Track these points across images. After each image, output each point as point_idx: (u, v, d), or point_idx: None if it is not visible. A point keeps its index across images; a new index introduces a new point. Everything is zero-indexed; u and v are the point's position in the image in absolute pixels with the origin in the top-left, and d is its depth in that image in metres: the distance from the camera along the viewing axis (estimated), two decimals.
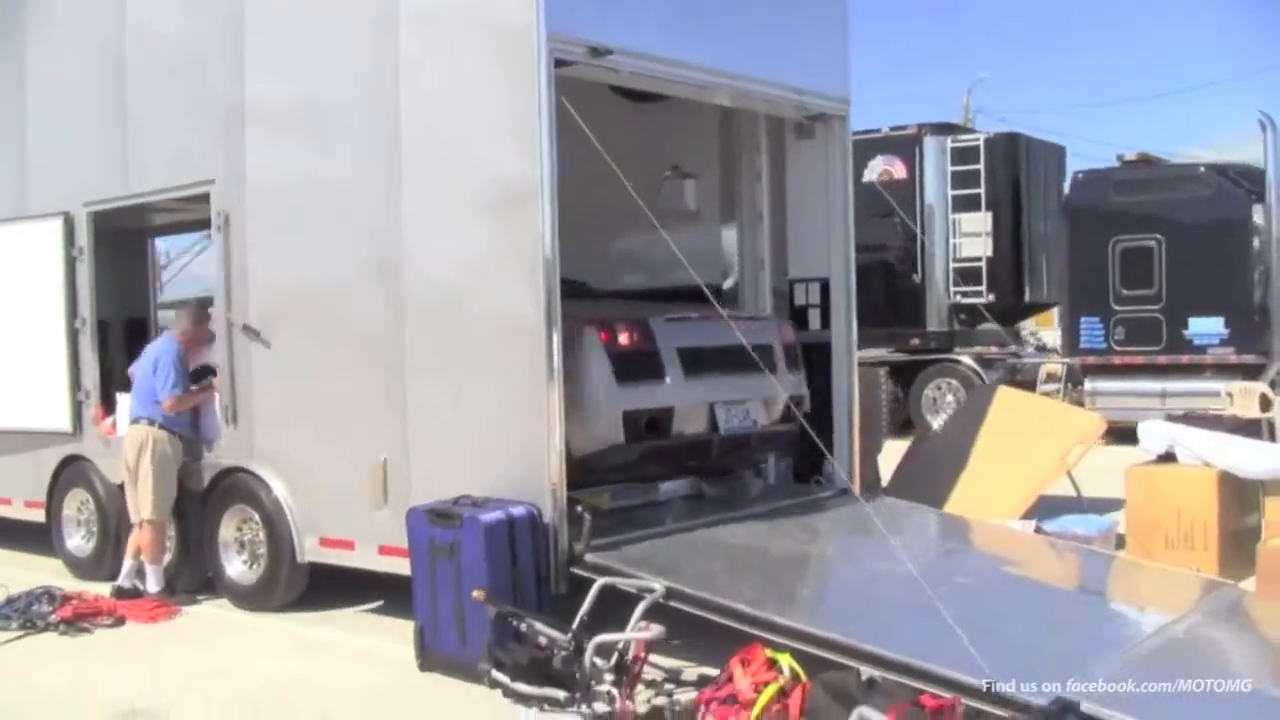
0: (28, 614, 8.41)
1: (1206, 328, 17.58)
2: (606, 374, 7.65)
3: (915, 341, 19.81)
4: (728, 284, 9.72)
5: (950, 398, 19.18)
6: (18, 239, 10.28)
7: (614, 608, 6.39)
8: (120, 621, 8.46)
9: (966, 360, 19.32)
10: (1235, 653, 6.63)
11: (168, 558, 9.12)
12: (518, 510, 6.83)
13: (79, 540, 10.03)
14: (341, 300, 8.05)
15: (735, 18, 8.15)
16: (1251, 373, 16.94)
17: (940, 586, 6.48)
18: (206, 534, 8.91)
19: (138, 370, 9.17)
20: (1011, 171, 19.77)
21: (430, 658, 6.87)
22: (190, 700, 6.67)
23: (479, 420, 7.32)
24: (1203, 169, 18.01)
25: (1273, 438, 10.22)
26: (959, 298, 19.66)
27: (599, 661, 5.95)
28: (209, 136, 8.81)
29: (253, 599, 8.62)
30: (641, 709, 5.92)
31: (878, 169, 19.86)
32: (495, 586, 6.59)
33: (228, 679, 7.03)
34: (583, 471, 7.42)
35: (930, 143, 19.66)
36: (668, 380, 7.96)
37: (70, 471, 10.06)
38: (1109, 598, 7.67)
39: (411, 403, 7.66)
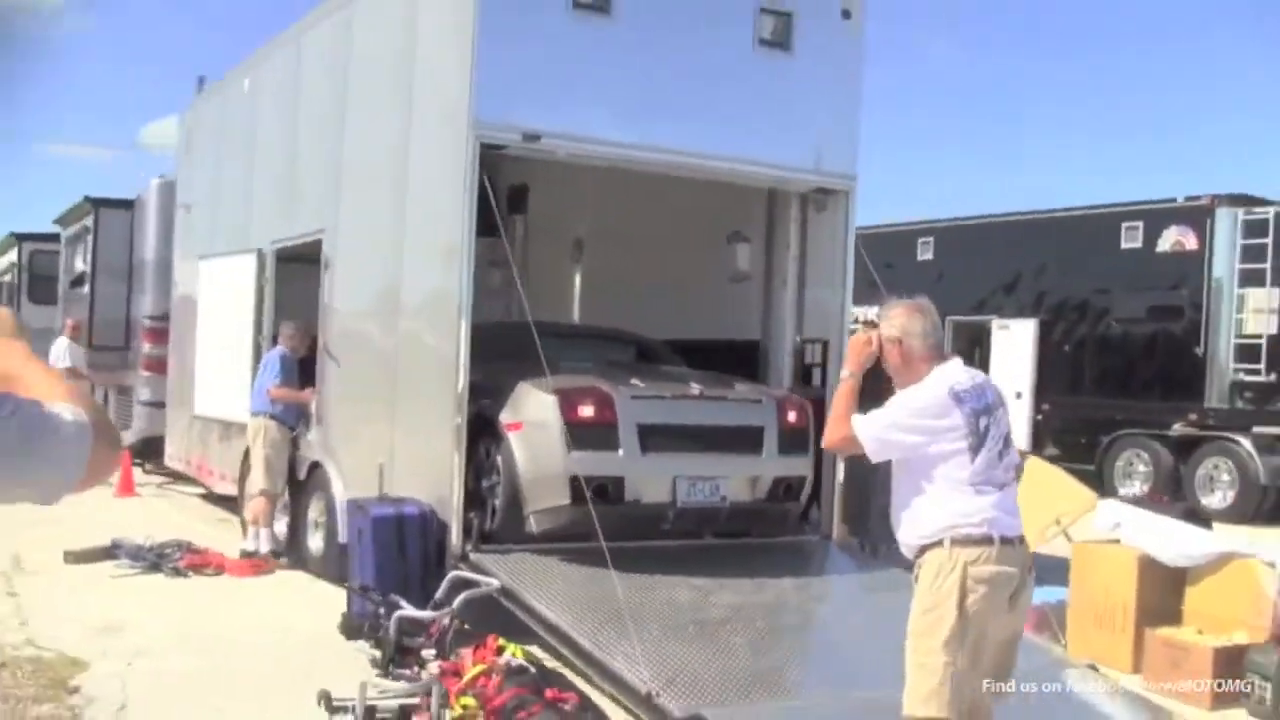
0: (161, 556, 10.80)
1: None
2: (559, 439, 8.38)
3: (1194, 416, 19.28)
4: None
5: (1226, 477, 18.66)
6: (234, 268, 12.79)
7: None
8: (219, 572, 10.66)
9: (1244, 442, 18.64)
10: None
11: (282, 529, 11.25)
12: (409, 509, 8.44)
13: None
14: (370, 332, 9.93)
15: (711, 103, 9.22)
16: None
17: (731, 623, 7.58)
18: (301, 512, 10.96)
19: (258, 372, 11.38)
20: None
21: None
22: (164, 624, 8.73)
23: (425, 436, 8.91)
24: None
25: None
26: (1240, 374, 19.02)
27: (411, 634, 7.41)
28: (326, 194, 10.90)
29: (321, 568, 10.60)
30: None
31: (1170, 239, 19.64)
32: (381, 569, 8.20)
33: (213, 616, 9.05)
34: (534, 524, 8.53)
35: (1223, 214, 19.10)
36: (621, 452, 8.51)
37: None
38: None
39: (396, 420, 9.39)
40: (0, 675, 7.29)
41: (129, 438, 16.93)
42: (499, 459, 8.64)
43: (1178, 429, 19.22)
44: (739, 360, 10.56)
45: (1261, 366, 18.67)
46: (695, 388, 8.98)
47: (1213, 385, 19.19)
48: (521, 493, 8.48)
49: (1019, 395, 20.97)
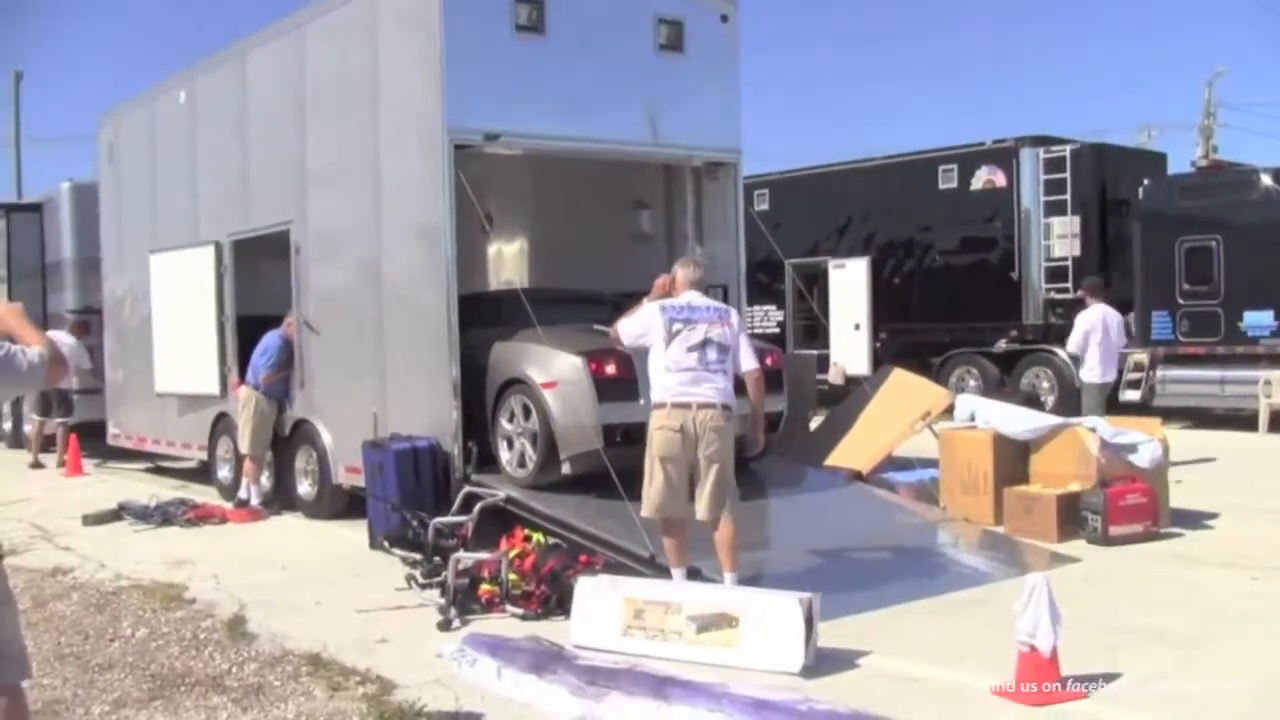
0: (167, 513, 12.55)
1: (1259, 320, 19.37)
2: (590, 394, 9.92)
3: (1014, 333, 22.02)
4: None
5: (1047, 384, 21.44)
6: (189, 259, 14.46)
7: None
8: (223, 521, 12.49)
9: (1060, 352, 21.39)
10: (882, 557, 9.50)
11: (268, 483, 13.07)
12: (421, 443, 10.42)
13: (226, 472, 14.11)
14: (352, 304, 11.82)
15: (625, 100, 11.31)
16: None
17: None
18: (287, 465, 12.81)
19: (255, 350, 13.11)
20: (1097, 178, 21.69)
21: (374, 539, 10.44)
22: (217, 556, 10.60)
23: (420, 385, 10.86)
24: (1256, 174, 19.75)
25: None
26: (1051, 294, 21.78)
27: (443, 536, 9.37)
28: (288, 191, 12.68)
29: (312, 511, 12.47)
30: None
31: (982, 178, 22.34)
32: (403, 493, 10.16)
33: (251, 549, 10.95)
34: (570, 468, 10.01)
35: (1025, 153, 21.82)
36: (641, 401, 9.40)
37: (220, 425, 14.17)
38: (834, 520, 10.33)
39: (388, 375, 11.32)
40: (121, 597, 9.08)
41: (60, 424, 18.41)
42: (534, 412, 10.22)
43: (1001, 345, 22.01)
44: None
45: (1069, 285, 21.42)
46: None
47: (1028, 305, 21.97)
48: (558, 440, 10.06)
49: (857, 327, 23.65)
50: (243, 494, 12.98)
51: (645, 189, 12.99)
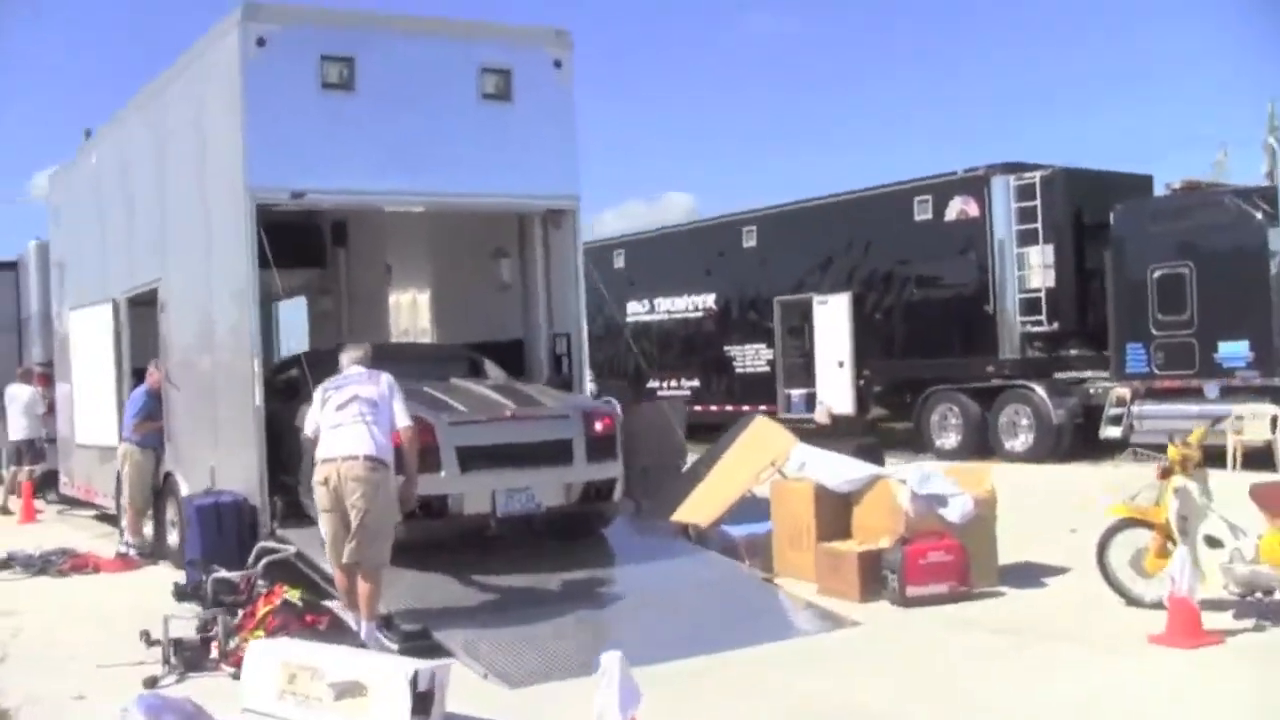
0: (48, 562, 12.90)
1: (1234, 351, 18.61)
2: None
3: (990, 369, 21.51)
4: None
5: (1025, 421, 20.90)
6: (95, 315, 14.88)
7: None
8: (96, 571, 12.77)
9: (1038, 389, 20.86)
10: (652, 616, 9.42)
11: (149, 533, 13.34)
12: (225, 498, 10.65)
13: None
14: (196, 362, 12.14)
15: (445, 151, 11.32)
16: (1277, 395, 18.10)
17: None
18: (158, 515, 13.09)
19: (126, 406, 13.46)
20: (1070, 204, 20.95)
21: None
22: (50, 608, 10.92)
23: (240, 446, 11.05)
24: (1226, 196, 19.13)
25: None
26: (1027, 327, 21.20)
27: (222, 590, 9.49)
28: (157, 250, 13.02)
29: (179, 560, 12.67)
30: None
31: (956, 208, 21.90)
32: (205, 546, 10.35)
33: (92, 601, 11.26)
34: None
35: (997, 181, 21.23)
36: (443, 473, 9.63)
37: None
38: (625, 582, 10.24)
39: (219, 431, 11.56)
40: None
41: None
42: None
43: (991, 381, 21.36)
44: (509, 357, 12.61)
45: (1044, 318, 20.84)
46: (508, 409, 10.41)
47: (1005, 339, 21.36)
48: None
49: (841, 364, 23.20)
50: (119, 547, 13.26)
51: (505, 238, 13.04)
